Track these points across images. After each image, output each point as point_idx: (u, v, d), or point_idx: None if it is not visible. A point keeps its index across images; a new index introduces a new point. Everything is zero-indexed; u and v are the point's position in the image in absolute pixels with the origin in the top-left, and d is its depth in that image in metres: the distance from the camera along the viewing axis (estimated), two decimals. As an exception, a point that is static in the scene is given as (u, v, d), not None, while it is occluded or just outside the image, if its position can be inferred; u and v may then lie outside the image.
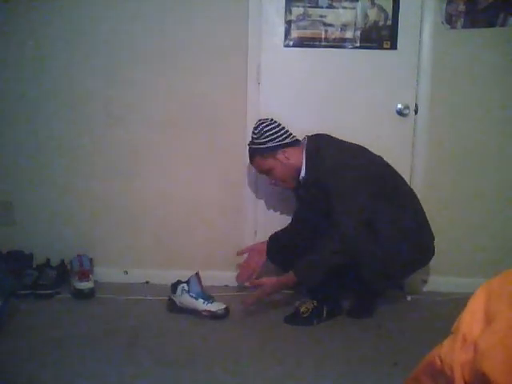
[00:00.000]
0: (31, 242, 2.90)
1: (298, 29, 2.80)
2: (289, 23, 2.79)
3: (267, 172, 2.56)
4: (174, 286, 2.56)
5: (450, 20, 2.75)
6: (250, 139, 2.57)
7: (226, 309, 2.51)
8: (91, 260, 2.84)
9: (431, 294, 2.85)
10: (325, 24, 2.80)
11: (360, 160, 2.44)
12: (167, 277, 2.87)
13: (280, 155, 2.49)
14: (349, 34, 2.80)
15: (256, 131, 2.53)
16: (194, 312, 2.50)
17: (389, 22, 2.78)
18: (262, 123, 2.52)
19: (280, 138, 2.50)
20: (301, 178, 2.51)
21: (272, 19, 2.79)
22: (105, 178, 2.90)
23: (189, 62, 2.81)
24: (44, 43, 2.81)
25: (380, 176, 2.45)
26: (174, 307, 2.56)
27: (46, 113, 2.87)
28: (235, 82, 2.81)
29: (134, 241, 2.95)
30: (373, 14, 2.78)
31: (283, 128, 2.53)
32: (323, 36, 2.80)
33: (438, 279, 2.89)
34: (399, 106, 2.82)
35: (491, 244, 2.88)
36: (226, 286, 2.91)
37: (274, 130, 2.50)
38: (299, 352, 2.20)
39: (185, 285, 2.54)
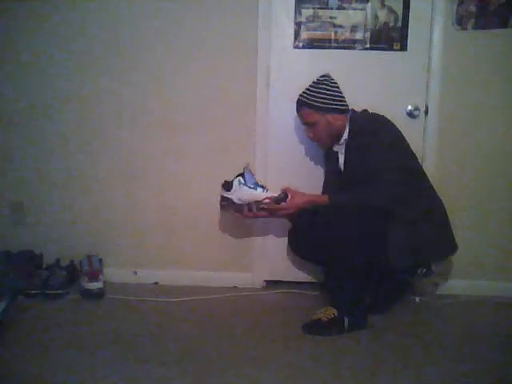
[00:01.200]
0: (41, 242, 2.91)
1: (307, 30, 2.80)
2: (298, 24, 2.79)
3: (309, 125, 2.57)
4: (228, 184, 2.51)
5: (460, 21, 2.74)
6: (305, 89, 2.55)
7: (285, 193, 2.47)
8: (101, 260, 2.85)
9: (441, 296, 2.83)
10: (335, 25, 2.79)
11: (396, 131, 2.51)
12: (176, 278, 2.90)
13: (328, 115, 2.51)
14: (359, 36, 2.79)
15: (315, 86, 2.53)
16: (254, 205, 2.49)
17: (399, 24, 2.77)
18: (325, 81, 2.52)
19: (334, 103, 2.51)
20: (343, 140, 2.54)
21: (282, 21, 2.79)
22: (115, 178, 2.91)
23: (198, 63, 2.82)
24: (51, 45, 2.83)
25: (412, 156, 2.55)
26: (229, 207, 2.52)
27: (56, 114, 2.88)
28: (245, 83, 2.82)
29: (143, 241, 2.96)
30: (383, 16, 2.78)
31: (340, 93, 2.54)
32: (333, 37, 2.80)
33: (448, 282, 2.88)
34: (409, 107, 2.81)
35: (503, 247, 2.86)
36: (235, 287, 2.92)
37: (331, 92, 2.51)
38: (307, 357, 2.18)
39: (240, 178, 2.50)
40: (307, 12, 2.79)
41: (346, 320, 2.36)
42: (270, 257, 2.95)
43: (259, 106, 2.82)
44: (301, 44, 2.82)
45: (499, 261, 2.86)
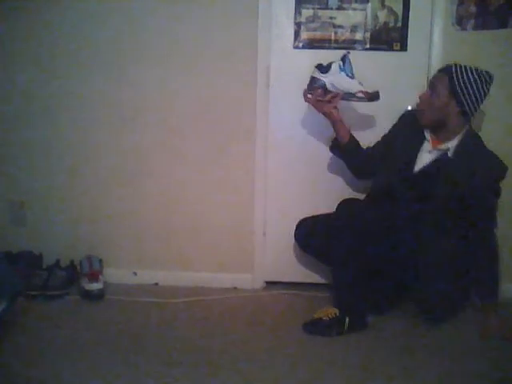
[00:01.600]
0: (41, 243, 2.91)
1: (307, 30, 2.80)
2: (298, 25, 2.79)
3: (432, 90, 2.41)
4: (325, 67, 2.32)
5: (460, 21, 2.74)
6: (465, 66, 2.36)
7: (378, 92, 2.30)
8: (101, 261, 2.84)
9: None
10: (334, 26, 2.79)
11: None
12: (176, 278, 2.90)
13: (453, 103, 2.36)
14: (359, 36, 2.79)
15: (473, 72, 2.35)
16: (346, 96, 2.35)
17: (399, 24, 2.77)
18: (485, 80, 2.36)
19: (469, 101, 2.35)
20: (446, 147, 2.39)
21: (281, 21, 2.79)
22: (115, 179, 2.91)
23: (197, 64, 2.81)
24: (51, 44, 2.82)
25: None
26: (318, 92, 2.35)
27: (56, 114, 2.88)
28: (245, 83, 2.81)
29: (143, 242, 2.95)
30: (383, 16, 2.78)
31: (481, 101, 2.38)
32: (333, 38, 2.80)
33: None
34: (409, 107, 2.80)
35: (503, 247, 2.85)
36: (235, 287, 2.91)
37: (478, 93, 2.34)
38: (306, 358, 2.18)
39: (340, 62, 2.32)
40: (307, 12, 2.79)
41: (347, 320, 2.36)
42: (270, 257, 2.95)
43: (259, 107, 2.81)
44: (301, 44, 2.81)
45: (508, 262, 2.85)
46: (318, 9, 2.78)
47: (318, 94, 2.40)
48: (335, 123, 2.52)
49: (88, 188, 2.92)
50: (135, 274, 2.95)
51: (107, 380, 1.95)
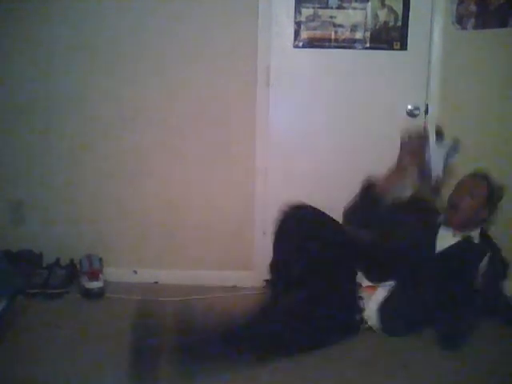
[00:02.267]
0: (41, 242, 2.91)
1: (307, 30, 2.80)
2: (298, 24, 2.79)
3: (471, 197, 2.41)
4: (442, 135, 2.22)
5: (460, 21, 2.74)
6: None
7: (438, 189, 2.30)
8: (101, 260, 2.85)
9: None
10: (335, 25, 2.79)
11: None
12: (176, 277, 2.91)
13: (485, 211, 2.43)
14: (359, 35, 2.79)
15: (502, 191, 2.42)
16: (427, 164, 2.23)
17: (399, 23, 2.77)
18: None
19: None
20: (471, 234, 2.43)
21: (281, 20, 2.79)
22: (115, 178, 2.91)
23: (198, 64, 2.81)
24: (50, 44, 2.82)
25: None
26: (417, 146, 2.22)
27: (57, 113, 2.88)
28: (245, 83, 2.81)
29: (143, 241, 2.96)
30: (383, 15, 2.78)
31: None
32: (333, 37, 2.80)
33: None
34: (409, 106, 2.81)
35: (503, 247, 2.85)
36: (235, 286, 2.92)
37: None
38: (306, 357, 2.15)
39: (453, 143, 2.23)
40: (307, 11, 2.79)
41: None
42: (270, 256, 2.95)
43: (259, 106, 2.82)
44: (301, 43, 2.81)
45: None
46: (318, 8, 2.78)
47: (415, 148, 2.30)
48: (398, 171, 2.39)
49: (89, 187, 2.92)
50: (135, 272, 2.96)
51: (107, 378, 1.95)
